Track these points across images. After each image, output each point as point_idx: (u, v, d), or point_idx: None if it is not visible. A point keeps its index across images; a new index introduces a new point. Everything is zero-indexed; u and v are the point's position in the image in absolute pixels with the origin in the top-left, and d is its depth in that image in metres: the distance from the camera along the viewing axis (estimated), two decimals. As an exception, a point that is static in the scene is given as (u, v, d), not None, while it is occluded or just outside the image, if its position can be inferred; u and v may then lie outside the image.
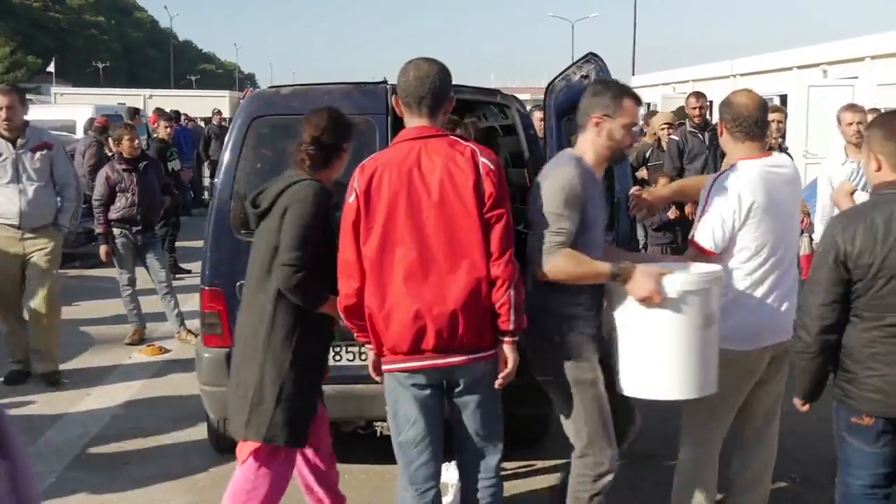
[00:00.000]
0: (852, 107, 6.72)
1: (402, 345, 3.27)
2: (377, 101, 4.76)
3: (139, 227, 7.88)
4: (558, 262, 3.45)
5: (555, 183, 3.50)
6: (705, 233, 3.67)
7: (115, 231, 7.83)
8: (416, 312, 3.22)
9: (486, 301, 3.26)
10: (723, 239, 3.64)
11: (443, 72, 3.37)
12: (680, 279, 3.43)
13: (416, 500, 3.42)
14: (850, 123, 6.47)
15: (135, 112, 16.40)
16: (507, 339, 3.33)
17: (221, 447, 5.18)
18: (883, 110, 7.16)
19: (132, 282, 7.95)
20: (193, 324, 7.24)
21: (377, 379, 3.56)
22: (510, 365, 3.35)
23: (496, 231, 3.25)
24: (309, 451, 4.00)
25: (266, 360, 3.65)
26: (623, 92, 3.62)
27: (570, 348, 3.57)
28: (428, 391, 3.36)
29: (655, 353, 3.51)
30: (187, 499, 4.76)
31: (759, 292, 3.70)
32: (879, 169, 3.29)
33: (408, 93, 3.33)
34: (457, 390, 3.37)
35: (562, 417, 3.67)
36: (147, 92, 34.20)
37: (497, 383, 3.38)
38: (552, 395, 3.69)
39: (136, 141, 8.14)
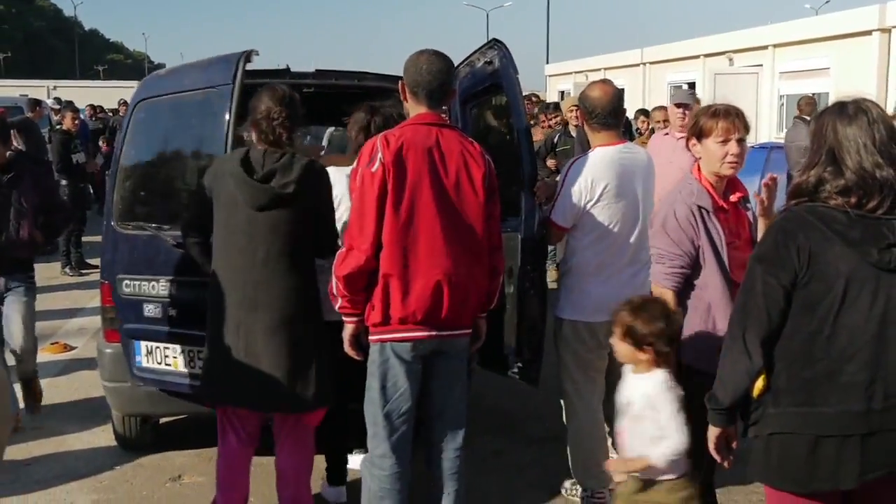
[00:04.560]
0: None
1: (418, 313, 3.39)
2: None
3: None
4: None
5: None
6: (558, 211, 4.04)
7: None
8: (437, 283, 3.37)
9: (484, 284, 3.57)
10: (573, 216, 3.99)
11: (452, 68, 3.57)
12: None
13: (396, 467, 3.53)
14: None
15: (36, 104, 15.83)
16: (483, 315, 3.69)
17: (127, 444, 5.11)
18: (785, 97, 7.39)
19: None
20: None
21: (352, 353, 3.59)
22: (483, 336, 3.74)
23: (495, 224, 3.57)
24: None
25: (317, 339, 3.78)
26: None
27: None
28: (419, 363, 3.51)
29: None
30: (91, 497, 4.65)
31: (611, 268, 4.04)
32: None
33: (419, 84, 3.45)
34: (441, 360, 3.54)
35: None
36: (51, 83, 33.27)
37: (474, 348, 3.75)
38: None
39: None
